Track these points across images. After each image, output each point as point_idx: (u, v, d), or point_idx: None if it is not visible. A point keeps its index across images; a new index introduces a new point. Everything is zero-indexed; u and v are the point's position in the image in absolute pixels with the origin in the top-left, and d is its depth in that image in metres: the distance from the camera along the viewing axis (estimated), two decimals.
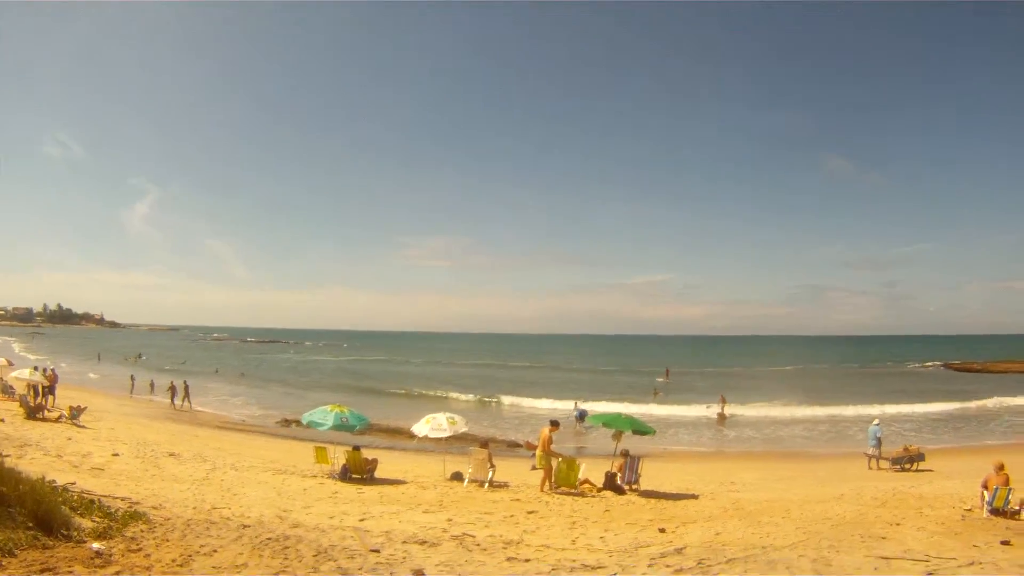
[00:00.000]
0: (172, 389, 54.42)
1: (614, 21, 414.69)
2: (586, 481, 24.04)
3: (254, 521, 14.86)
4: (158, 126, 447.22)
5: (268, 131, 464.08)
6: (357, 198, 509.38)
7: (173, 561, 10.54)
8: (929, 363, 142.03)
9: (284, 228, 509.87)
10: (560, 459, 24.46)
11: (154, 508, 14.70)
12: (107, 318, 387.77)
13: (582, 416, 48.22)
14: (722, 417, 55.79)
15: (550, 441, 24.31)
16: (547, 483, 23.62)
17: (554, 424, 25.59)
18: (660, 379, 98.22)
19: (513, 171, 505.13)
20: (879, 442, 33.97)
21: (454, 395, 67.14)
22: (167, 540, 11.74)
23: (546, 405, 61.29)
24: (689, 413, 58.98)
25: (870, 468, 33.15)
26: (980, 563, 14.25)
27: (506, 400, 66.02)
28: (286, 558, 11.72)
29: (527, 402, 64.61)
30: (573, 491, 23.37)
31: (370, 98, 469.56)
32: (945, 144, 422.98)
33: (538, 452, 24.41)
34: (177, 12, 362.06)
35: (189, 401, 54.09)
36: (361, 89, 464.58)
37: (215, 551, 11.52)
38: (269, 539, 12.91)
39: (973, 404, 65.14)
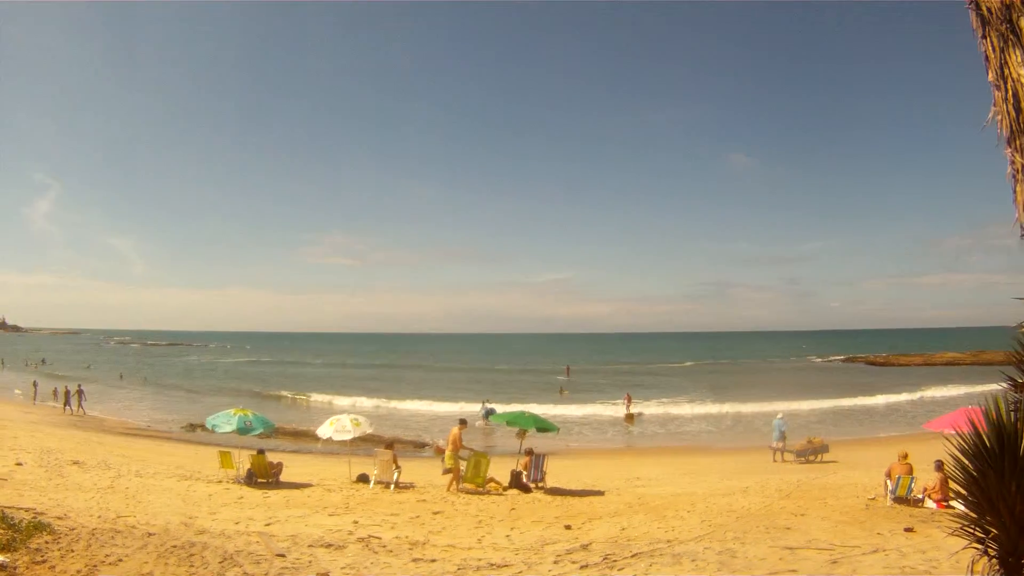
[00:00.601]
0: (66, 394, 53.41)
1: (520, 17, 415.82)
2: (492, 480, 24.15)
3: (160, 529, 14.81)
4: (58, 119, 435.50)
5: (169, 127, 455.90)
6: (257, 195, 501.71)
7: (78, 572, 10.54)
8: (832, 357, 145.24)
9: (186, 227, 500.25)
10: (472, 455, 24.67)
11: (59, 518, 14.55)
12: (9, 322, 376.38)
13: (489, 414, 48.45)
14: (630, 417, 55.86)
15: (460, 440, 24.59)
16: (455, 484, 23.83)
17: (462, 423, 25.80)
18: (561, 377, 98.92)
19: (417, 168, 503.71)
20: (783, 435, 34.73)
21: (355, 398, 66.11)
22: (72, 551, 11.73)
23: (444, 409, 60.00)
24: (595, 412, 59.11)
25: (775, 461, 33.94)
26: (884, 550, 14.78)
27: (409, 402, 65.23)
28: (192, 565, 11.79)
29: (430, 403, 63.97)
30: (479, 490, 23.53)
31: (268, 96, 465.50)
32: (845, 143, 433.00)
33: (447, 452, 24.52)
34: (78, 5, 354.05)
35: (83, 407, 52.93)
36: (258, 87, 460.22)
37: (120, 560, 11.56)
38: (175, 546, 12.93)
39: (875, 396, 66.72)
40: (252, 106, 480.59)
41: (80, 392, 53.72)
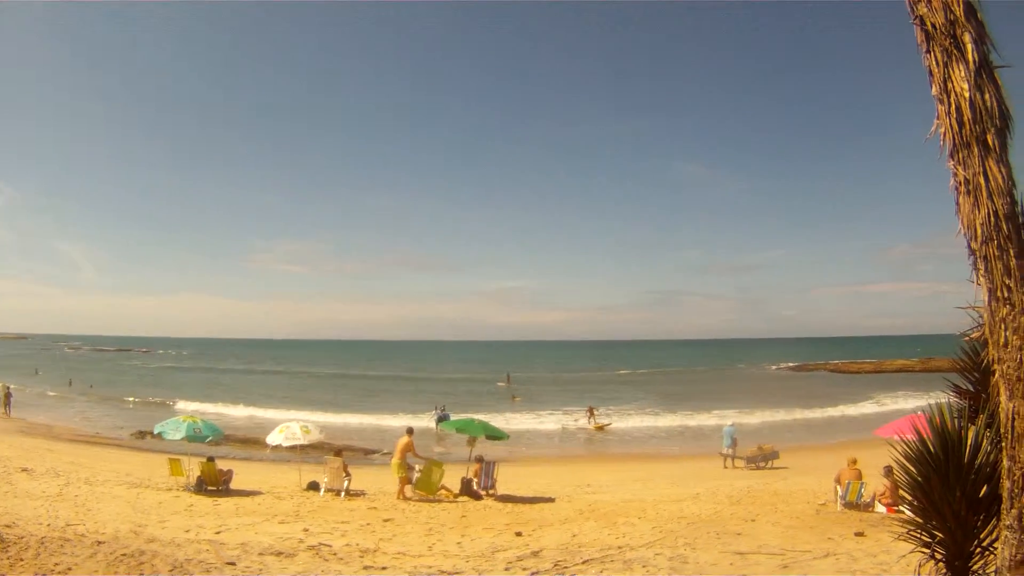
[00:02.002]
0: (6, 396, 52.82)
1: (472, 23, 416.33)
2: (443, 487, 24.11)
3: (109, 537, 14.69)
4: (6, 124, 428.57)
5: (120, 133, 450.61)
6: (208, 202, 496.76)
7: None
8: (784, 364, 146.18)
9: (137, 233, 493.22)
10: (427, 462, 24.62)
11: (7, 527, 14.44)
12: None
13: (441, 420, 48.28)
14: (599, 427, 55.44)
15: (408, 449, 24.47)
16: (403, 491, 23.81)
17: (410, 431, 25.78)
18: (501, 384, 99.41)
19: (369, 176, 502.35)
20: (734, 442, 34.92)
21: (297, 409, 65.07)
22: (21, 559, 11.65)
23: (391, 423, 56.49)
24: (547, 421, 58.99)
25: (725, 467, 34.05)
26: (835, 555, 14.97)
27: (356, 412, 63.72)
28: (142, 574, 11.74)
29: (378, 413, 62.40)
30: (430, 498, 23.48)
31: (219, 99, 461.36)
32: (796, 153, 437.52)
33: (394, 461, 24.43)
34: (30, 7, 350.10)
35: (8, 409, 52.23)
36: (211, 93, 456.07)
37: (70, 569, 11.48)
38: (124, 555, 12.85)
39: (826, 403, 67.29)
40: (204, 113, 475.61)
41: (8, 395, 52.98)
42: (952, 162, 7.21)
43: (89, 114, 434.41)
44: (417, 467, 24.28)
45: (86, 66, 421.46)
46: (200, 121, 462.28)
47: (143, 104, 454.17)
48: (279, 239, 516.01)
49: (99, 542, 13.97)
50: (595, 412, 59.21)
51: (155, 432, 26.35)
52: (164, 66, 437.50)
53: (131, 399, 69.75)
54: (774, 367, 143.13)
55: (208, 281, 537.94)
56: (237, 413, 60.33)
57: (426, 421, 51.03)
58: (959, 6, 7.18)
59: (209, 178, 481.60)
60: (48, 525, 15.59)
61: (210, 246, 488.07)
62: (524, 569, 13.83)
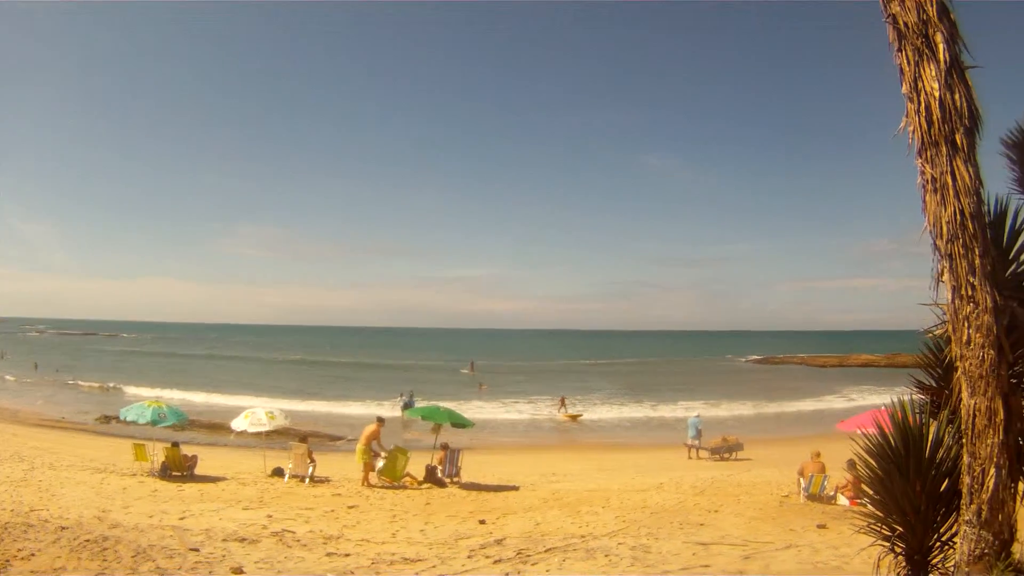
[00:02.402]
0: None
1: (435, 10, 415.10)
2: (407, 475, 24.13)
3: (73, 522, 14.62)
4: None
5: (84, 115, 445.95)
6: (171, 185, 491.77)
7: None
8: (749, 357, 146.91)
9: (102, 216, 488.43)
10: (392, 449, 24.56)
11: None
12: None
13: (407, 407, 48.12)
14: (571, 417, 55.20)
15: (373, 437, 24.39)
16: (367, 478, 23.78)
17: (380, 420, 25.71)
18: (465, 371, 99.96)
19: (331, 162, 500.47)
20: (699, 433, 35.19)
21: (261, 395, 64.08)
22: None
23: (355, 410, 55.94)
24: (512, 409, 58.91)
25: (690, 458, 34.29)
26: (797, 546, 15.06)
27: (320, 399, 63.11)
28: (105, 560, 11.68)
29: (342, 400, 62.21)
30: (395, 484, 23.47)
31: (184, 85, 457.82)
32: (760, 146, 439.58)
33: (358, 447, 24.40)
34: None
35: None
36: (175, 77, 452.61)
37: (33, 555, 11.41)
38: (88, 540, 12.80)
39: (790, 396, 68.01)
40: (168, 95, 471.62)
41: None
42: (920, 160, 7.27)
43: (53, 98, 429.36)
44: (383, 454, 24.24)
45: (49, 48, 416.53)
46: (166, 104, 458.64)
47: (107, 87, 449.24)
48: (241, 223, 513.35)
49: (63, 527, 13.90)
50: (566, 402, 59.07)
51: (120, 417, 26.24)
52: (130, 48, 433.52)
53: (97, 384, 68.93)
54: (739, 360, 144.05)
55: (171, 265, 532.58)
56: (201, 399, 59.75)
57: (390, 409, 50.76)
58: (932, 6, 7.23)
59: (171, 161, 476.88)
60: (11, 510, 15.49)
61: (173, 230, 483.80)
62: (487, 557, 13.84)
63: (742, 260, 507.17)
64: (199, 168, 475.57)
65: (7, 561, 10.89)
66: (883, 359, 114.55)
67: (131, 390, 63.80)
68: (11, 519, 14.29)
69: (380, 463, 23.96)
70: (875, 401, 53.52)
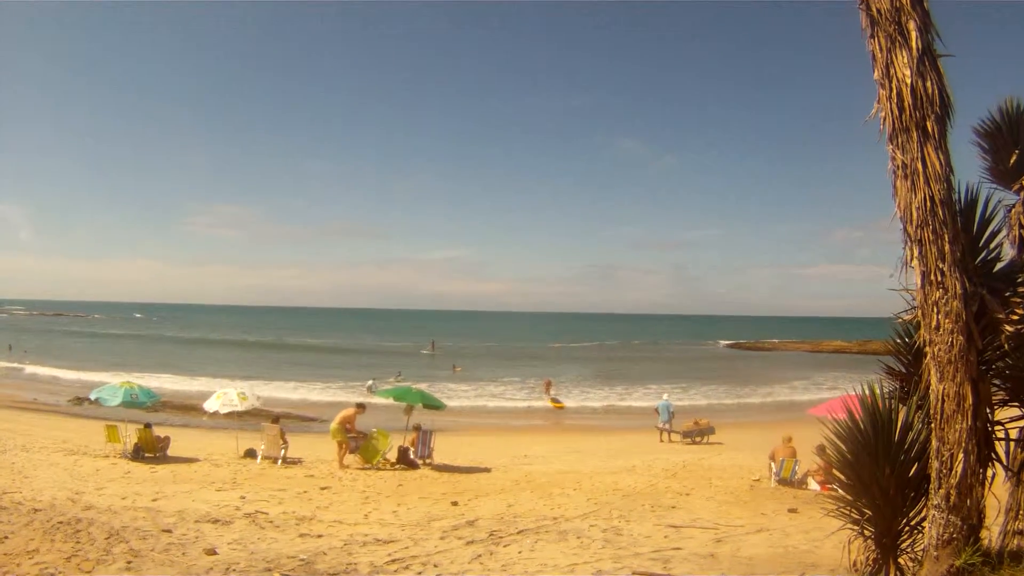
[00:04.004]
0: None
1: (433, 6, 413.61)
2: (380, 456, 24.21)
3: (46, 505, 14.59)
4: None
5: (56, 93, 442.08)
6: (141, 163, 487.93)
7: None
8: (720, 342, 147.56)
9: (72, 194, 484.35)
10: (375, 431, 24.66)
11: None
12: None
13: (374, 390, 48.00)
14: (556, 404, 53.11)
15: (348, 420, 24.37)
16: (342, 458, 23.80)
17: (359, 406, 25.69)
18: (425, 351, 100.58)
19: (307, 142, 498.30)
20: (670, 416, 35.33)
21: (232, 377, 62.73)
22: None
23: (327, 395, 54.74)
24: (489, 399, 56.61)
25: (661, 441, 34.33)
26: (768, 530, 15.24)
27: (292, 380, 62.10)
28: (78, 542, 11.67)
29: (313, 383, 61.06)
30: (367, 466, 23.50)
31: (158, 66, 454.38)
32: (736, 131, 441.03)
33: (332, 426, 24.38)
34: None
35: None
36: (149, 58, 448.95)
37: (6, 537, 11.39)
38: (61, 523, 12.79)
39: (762, 381, 68.41)
40: (143, 73, 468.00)
41: None
42: (891, 146, 7.32)
43: (26, 75, 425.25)
44: (354, 435, 24.20)
45: (24, 27, 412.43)
46: (139, 83, 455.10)
47: (82, 67, 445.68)
48: (213, 202, 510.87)
49: (36, 510, 13.89)
50: (551, 385, 58.24)
51: (92, 398, 26.05)
52: (107, 28, 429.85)
53: (68, 367, 68.34)
54: (710, 344, 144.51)
55: (143, 245, 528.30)
56: (173, 380, 59.39)
57: (359, 395, 50.57)
58: None
59: (145, 139, 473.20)
60: None
61: (145, 209, 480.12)
62: (459, 538, 13.91)
63: (717, 245, 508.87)
64: (171, 148, 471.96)
65: None
66: (855, 345, 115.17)
67: (103, 371, 63.15)
68: None
69: (356, 444, 23.99)
70: (846, 387, 53.83)
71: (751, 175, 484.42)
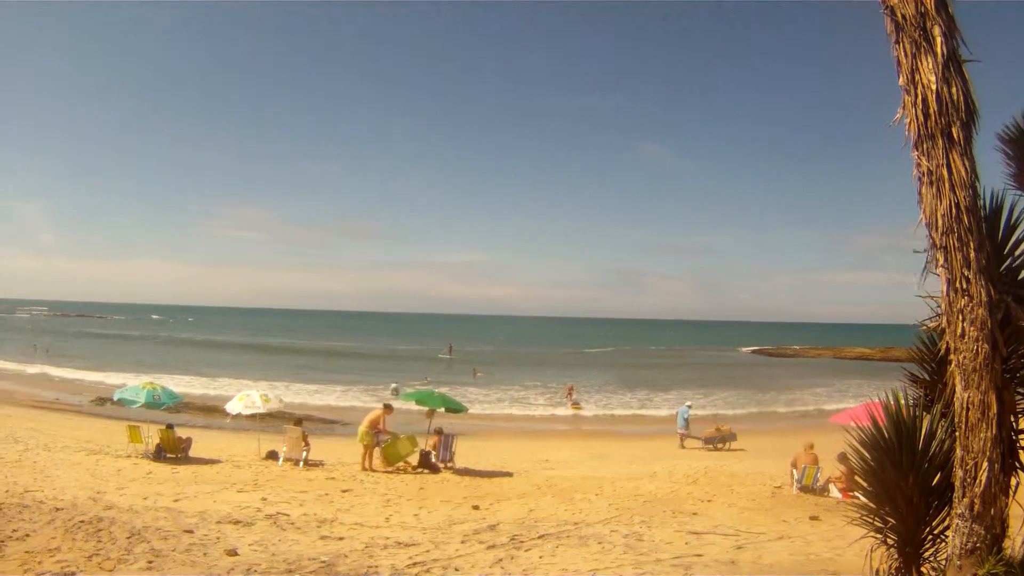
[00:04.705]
0: None
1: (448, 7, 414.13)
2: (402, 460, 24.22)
3: (67, 504, 14.64)
4: None
5: (79, 93, 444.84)
6: (163, 165, 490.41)
7: None
8: (742, 348, 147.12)
9: (93, 195, 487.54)
10: (401, 436, 24.63)
11: None
12: None
13: (397, 392, 48.20)
14: (577, 407, 53.75)
15: (377, 422, 24.28)
16: (366, 461, 23.81)
17: (387, 407, 25.63)
18: (443, 355, 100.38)
19: (327, 145, 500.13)
20: (687, 423, 35.29)
21: (253, 379, 62.50)
22: None
23: (347, 398, 55.05)
24: (518, 402, 56.95)
25: (681, 447, 34.39)
26: (789, 537, 15.18)
27: (313, 383, 62.41)
28: (99, 540, 11.72)
29: (334, 386, 61.44)
30: (389, 469, 23.52)
31: (179, 67, 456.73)
32: (759, 136, 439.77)
33: (361, 428, 24.28)
34: None
35: None
36: (169, 58, 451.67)
37: (28, 535, 11.45)
38: (82, 522, 12.84)
39: (784, 387, 68.13)
40: (162, 76, 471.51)
41: None
42: (916, 152, 7.27)
43: (49, 73, 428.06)
44: (386, 438, 24.21)
45: (44, 33, 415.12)
46: (160, 84, 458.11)
47: (104, 65, 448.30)
48: (233, 204, 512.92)
49: (57, 508, 13.93)
50: (574, 391, 58.20)
51: (115, 399, 26.14)
52: (129, 27, 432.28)
53: (90, 368, 68.46)
54: (733, 351, 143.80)
55: (163, 247, 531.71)
56: (195, 381, 59.48)
57: (381, 398, 50.75)
58: None
59: (166, 141, 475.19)
60: (6, 491, 15.46)
61: (166, 211, 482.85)
62: (480, 542, 13.90)
63: (739, 250, 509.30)
64: (192, 151, 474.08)
65: (2, 542, 10.92)
66: (877, 352, 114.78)
67: (124, 373, 63.38)
68: (6, 500, 14.27)
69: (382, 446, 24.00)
70: (868, 394, 53.56)
71: (774, 180, 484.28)
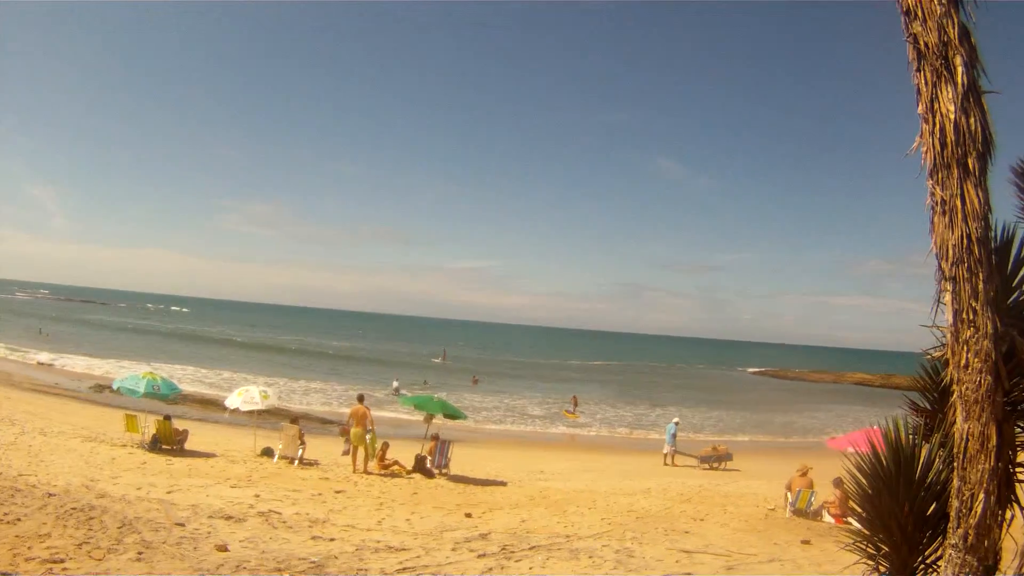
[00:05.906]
0: None
1: (458, 6, 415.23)
2: (396, 463, 24.13)
3: (60, 490, 14.62)
4: None
5: (97, 83, 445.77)
6: (176, 158, 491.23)
7: None
8: (744, 368, 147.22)
9: (105, 183, 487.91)
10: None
11: None
12: None
13: (398, 392, 48.23)
14: (570, 415, 54.60)
15: (366, 416, 24.17)
16: (363, 462, 23.78)
17: (360, 398, 25.79)
18: (436, 360, 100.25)
19: (341, 145, 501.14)
20: (674, 439, 35.25)
21: (252, 374, 62.58)
22: None
23: (344, 402, 53.21)
24: (515, 412, 56.55)
25: (666, 464, 34.31)
26: (780, 560, 15.15)
27: (315, 380, 63.32)
28: (90, 529, 11.68)
29: (336, 384, 62.15)
30: (383, 472, 23.52)
31: (196, 62, 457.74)
32: (772, 158, 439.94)
33: (354, 429, 24.21)
34: None
35: None
36: (188, 54, 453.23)
37: (19, 520, 11.41)
38: (74, 509, 12.79)
39: (783, 410, 68.06)
40: (180, 70, 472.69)
41: None
42: (931, 181, 7.25)
43: (66, 64, 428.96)
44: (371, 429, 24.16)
45: (60, 22, 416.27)
46: (178, 78, 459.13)
47: (122, 58, 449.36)
48: (246, 199, 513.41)
49: (50, 494, 13.89)
50: (578, 402, 58.46)
51: (114, 387, 26.18)
52: (142, 24, 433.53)
53: (91, 354, 68.43)
54: (737, 371, 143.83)
55: (173, 238, 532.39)
56: (195, 373, 59.65)
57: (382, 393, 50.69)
58: (953, 28, 7.21)
59: (182, 132, 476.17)
60: (0, 474, 15.48)
61: (177, 202, 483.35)
62: (471, 551, 13.88)
63: (748, 270, 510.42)
64: (207, 144, 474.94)
65: None
66: (877, 378, 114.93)
67: (125, 360, 63.38)
68: None
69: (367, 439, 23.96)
70: (866, 420, 53.58)
71: (786, 202, 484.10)
